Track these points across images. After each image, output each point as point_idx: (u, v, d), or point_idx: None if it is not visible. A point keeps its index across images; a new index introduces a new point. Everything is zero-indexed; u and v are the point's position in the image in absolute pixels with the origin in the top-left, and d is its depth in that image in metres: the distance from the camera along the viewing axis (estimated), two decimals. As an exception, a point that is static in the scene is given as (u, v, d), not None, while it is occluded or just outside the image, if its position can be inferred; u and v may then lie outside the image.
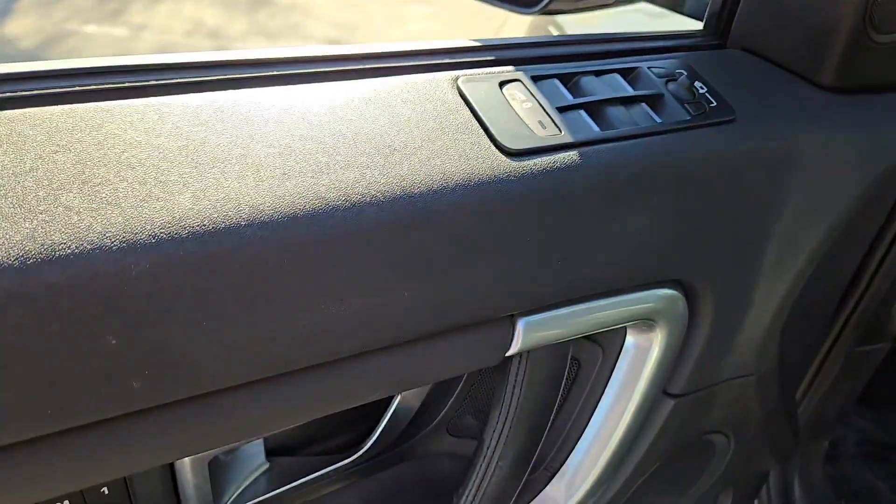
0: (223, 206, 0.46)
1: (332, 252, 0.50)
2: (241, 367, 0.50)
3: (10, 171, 0.44)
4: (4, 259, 0.40)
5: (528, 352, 0.69)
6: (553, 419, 0.76)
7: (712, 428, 0.92)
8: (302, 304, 0.49)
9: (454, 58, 0.66)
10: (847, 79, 0.75)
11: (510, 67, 0.65)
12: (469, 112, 0.59)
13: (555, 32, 1.58)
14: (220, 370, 0.49)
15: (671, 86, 0.69)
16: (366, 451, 0.81)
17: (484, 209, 0.55)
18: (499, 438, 0.73)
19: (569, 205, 0.59)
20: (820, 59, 0.74)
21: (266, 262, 0.47)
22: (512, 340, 0.63)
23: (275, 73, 0.58)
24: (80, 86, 0.51)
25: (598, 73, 0.68)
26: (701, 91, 0.70)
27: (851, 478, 1.46)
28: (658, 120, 0.66)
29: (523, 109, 0.61)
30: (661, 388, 0.80)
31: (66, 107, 0.49)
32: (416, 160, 0.54)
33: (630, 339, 0.76)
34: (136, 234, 0.43)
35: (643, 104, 0.67)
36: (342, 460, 0.81)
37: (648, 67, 0.70)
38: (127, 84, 0.52)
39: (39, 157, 0.45)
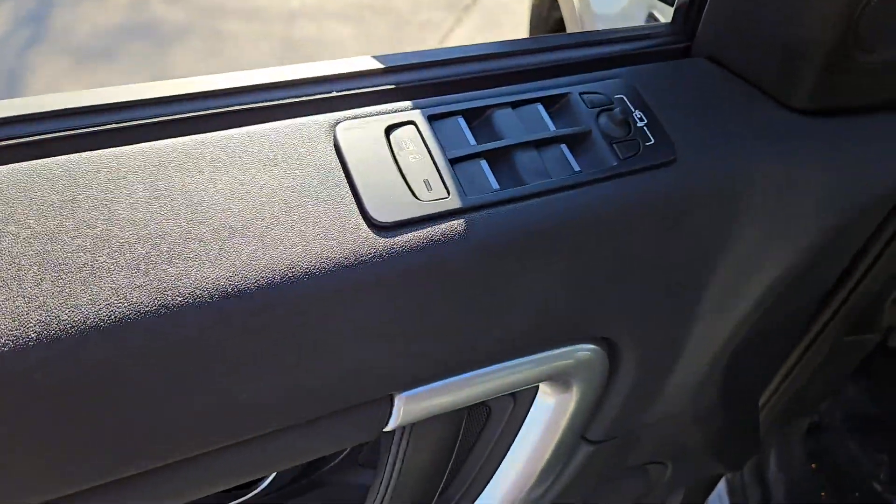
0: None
1: (173, 358, 0.45)
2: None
3: None
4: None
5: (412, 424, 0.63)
6: (462, 462, 0.71)
7: (644, 461, 0.87)
8: (169, 402, 0.47)
9: (342, 87, 0.57)
10: (823, 101, 0.64)
11: (407, 103, 0.56)
12: (342, 172, 0.51)
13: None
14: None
15: (602, 119, 0.59)
16: (271, 483, 0.78)
17: (344, 294, 0.49)
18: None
19: (447, 279, 0.52)
20: (792, 80, 0.63)
21: (124, 367, 0.44)
22: (390, 416, 0.58)
23: (80, 128, 0.49)
24: None
25: (515, 105, 0.58)
26: (639, 124, 0.59)
27: (833, 449, 1.42)
28: (576, 168, 0.56)
29: (409, 164, 0.53)
30: (578, 435, 0.75)
31: None
32: (263, 242, 0.47)
33: (543, 394, 0.70)
34: None
35: (563, 146, 0.57)
36: (245, 495, 0.78)
37: (581, 93, 0.60)
38: None
39: None
